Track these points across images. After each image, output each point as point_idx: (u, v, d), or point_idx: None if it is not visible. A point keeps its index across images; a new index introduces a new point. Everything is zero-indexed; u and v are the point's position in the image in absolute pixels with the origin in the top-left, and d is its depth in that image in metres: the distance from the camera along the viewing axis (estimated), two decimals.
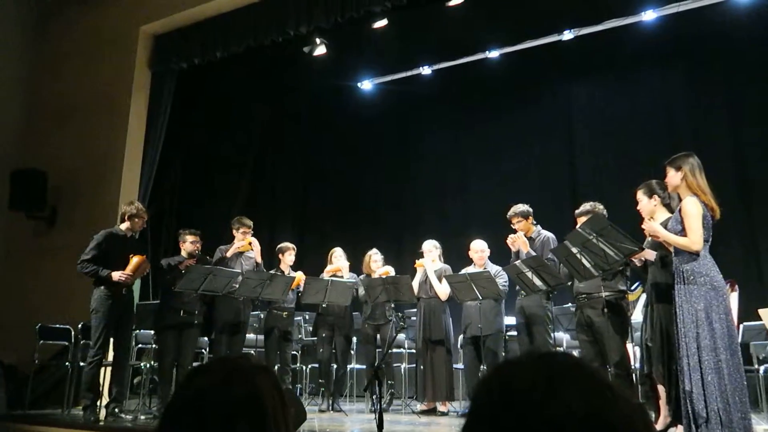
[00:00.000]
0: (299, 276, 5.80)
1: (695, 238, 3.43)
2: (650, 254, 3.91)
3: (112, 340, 4.99)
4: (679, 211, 3.56)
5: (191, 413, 0.82)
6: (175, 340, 5.18)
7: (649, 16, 6.89)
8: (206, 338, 6.37)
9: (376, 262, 5.97)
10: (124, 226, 5.15)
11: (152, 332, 5.68)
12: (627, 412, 0.59)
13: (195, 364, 5.90)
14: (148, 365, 5.94)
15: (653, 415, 3.91)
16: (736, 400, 3.20)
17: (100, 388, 5.05)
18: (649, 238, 4.01)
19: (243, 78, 8.25)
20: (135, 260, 4.93)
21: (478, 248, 5.55)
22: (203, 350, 6.39)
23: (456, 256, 5.98)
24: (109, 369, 5.06)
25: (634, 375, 4.42)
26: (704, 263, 3.43)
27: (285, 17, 6.50)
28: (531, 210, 5.21)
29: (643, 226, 3.76)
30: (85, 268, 4.88)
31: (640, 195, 4.07)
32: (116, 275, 4.85)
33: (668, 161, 3.69)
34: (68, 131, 7.51)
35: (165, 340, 5.22)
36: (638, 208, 4.11)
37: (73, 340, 5.70)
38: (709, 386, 3.23)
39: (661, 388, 3.81)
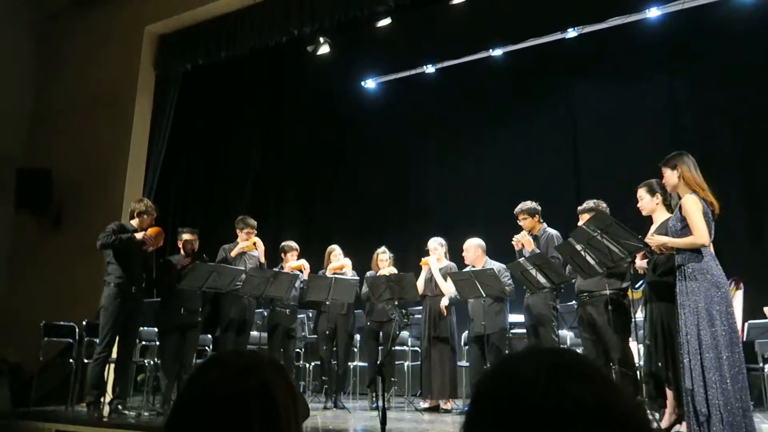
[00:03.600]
0: (302, 262, 5.81)
1: (701, 233, 3.40)
2: (643, 263, 3.95)
3: (117, 338, 4.98)
4: (679, 209, 3.53)
5: (204, 404, 0.81)
6: (178, 338, 5.18)
7: (653, 13, 6.85)
8: (209, 336, 6.36)
9: (383, 261, 5.93)
10: (133, 223, 5.16)
11: (155, 330, 5.67)
12: (630, 408, 0.59)
13: (198, 361, 5.90)
14: (151, 363, 5.93)
15: (658, 414, 3.87)
16: (738, 398, 3.17)
17: (105, 385, 5.04)
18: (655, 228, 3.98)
19: (247, 78, 8.24)
20: (152, 229, 5.02)
21: (466, 246, 5.48)
22: (207, 348, 6.38)
23: (461, 254, 5.92)
24: (112, 366, 5.05)
25: (638, 373, 4.37)
26: (706, 260, 3.41)
27: (289, 17, 6.48)
28: (539, 208, 5.15)
29: (647, 241, 3.71)
30: (108, 238, 4.90)
31: (642, 193, 4.05)
32: (139, 235, 4.92)
33: (662, 162, 3.69)
34: (73, 131, 7.52)
35: (167, 339, 5.23)
36: (639, 206, 4.08)
37: (77, 338, 5.69)
38: (710, 384, 3.21)
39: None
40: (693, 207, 3.43)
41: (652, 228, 3.99)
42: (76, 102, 7.61)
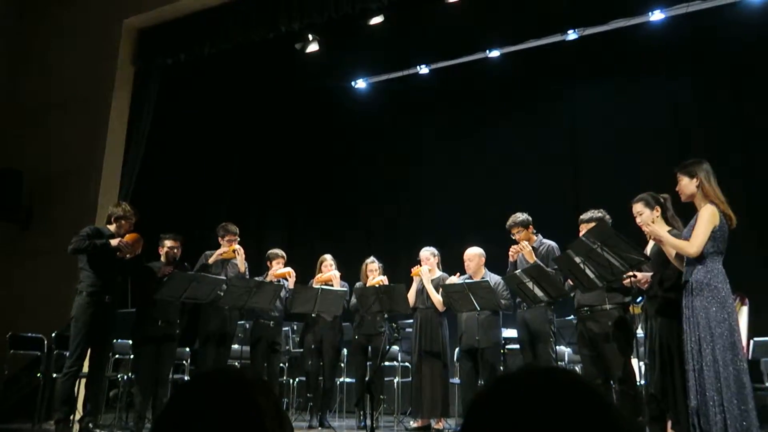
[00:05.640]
0: (289, 269, 5.81)
1: (696, 242, 3.47)
2: (644, 277, 3.96)
3: (89, 350, 4.93)
4: (695, 220, 3.57)
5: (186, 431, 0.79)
6: (154, 351, 5.13)
7: (656, 16, 6.93)
8: (187, 349, 6.32)
9: (372, 272, 5.93)
10: (110, 228, 5.11)
11: (130, 342, 5.63)
12: (629, 430, 0.58)
13: (175, 376, 5.87)
14: (125, 377, 5.89)
15: None
16: (742, 418, 3.20)
17: (75, 402, 4.99)
18: (650, 250, 4.02)
19: (231, 76, 8.24)
20: (129, 236, 4.95)
21: (470, 255, 5.51)
22: (184, 362, 6.34)
23: (455, 264, 5.94)
24: (83, 381, 5.00)
25: (642, 392, 4.40)
26: (714, 275, 3.45)
27: (276, 12, 6.49)
28: (530, 218, 5.19)
29: (644, 229, 3.76)
30: (81, 243, 4.81)
31: (641, 207, 4.07)
32: (115, 241, 4.83)
33: (680, 168, 3.69)
34: (46, 130, 7.46)
35: (142, 352, 5.17)
36: (638, 221, 4.11)
37: (46, 350, 5.63)
38: (710, 403, 3.25)
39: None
40: (707, 218, 3.47)
41: (651, 242, 4.03)
42: (49, 100, 7.55)
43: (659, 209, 4.01)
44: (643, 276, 3.98)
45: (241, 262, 5.70)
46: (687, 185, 3.64)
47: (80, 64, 7.46)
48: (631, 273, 3.93)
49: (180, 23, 7.21)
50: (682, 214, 3.99)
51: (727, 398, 3.23)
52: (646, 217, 4.03)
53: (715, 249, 3.48)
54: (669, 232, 3.83)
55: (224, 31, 6.86)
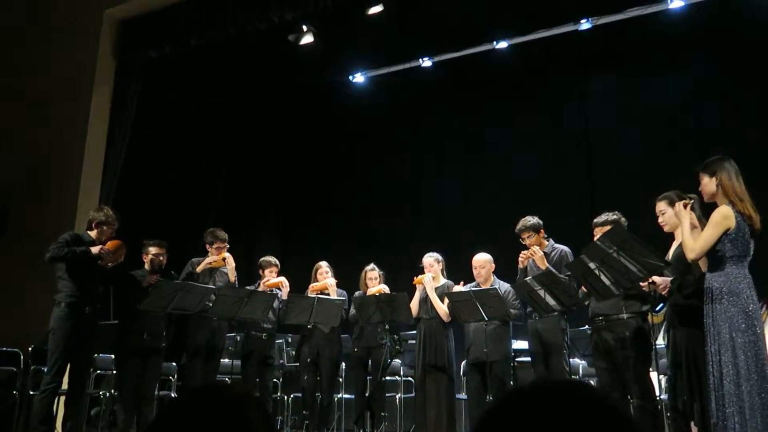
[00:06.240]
0: (282, 279, 5.82)
1: (698, 246, 3.52)
2: (664, 282, 3.95)
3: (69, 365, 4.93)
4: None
5: None
6: (138, 366, 5.14)
7: (676, 3, 6.93)
8: (174, 364, 6.33)
9: (372, 280, 5.93)
10: (91, 234, 5.12)
11: (112, 356, 5.63)
12: None
13: (161, 393, 5.87)
14: (107, 394, 5.88)
15: None
16: None
17: (54, 421, 4.99)
18: (672, 254, 4.02)
19: (220, 71, 8.25)
20: (111, 243, 4.95)
21: (481, 262, 5.53)
22: (171, 377, 6.34)
23: (460, 271, 5.95)
24: (63, 398, 5.00)
25: (660, 407, 4.40)
26: (737, 281, 3.45)
27: (267, 1, 6.51)
28: (541, 222, 5.20)
29: (675, 210, 3.79)
30: (60, 250, 4.81)
31: (663, 206, 4.10)
32: (95, 249, 4.84)
33: (701, 167, 3.71)
34: (20, 130, 7.47)
35: (126, 366, 5.19)
36: (660, 221, 4.13)
37: (22, 366, 5.63)
38: (729, 418, 3.26)
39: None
40: (715, 220, 3.49)
41: (674, 244, 4.03)
42: (25, 95, 7.57)
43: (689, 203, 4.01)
44: (663, 281, 3.97)
45: (231, 271, 5.70)
46: (707, 184, 3.67)
47: (59, 58, 7.48)
48: (650, 279, 3.94)
49: (165, 13, 7.23)
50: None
51: (750, 414, 3.23)
52: (669, 217, 4.05)
53: (735, 252, 3.48)
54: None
55: (212, 22, 6.89)
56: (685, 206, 3.71)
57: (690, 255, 3.59)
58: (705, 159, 3.77)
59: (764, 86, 6.68)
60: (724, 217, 3.48)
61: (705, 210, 3.99)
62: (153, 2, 7.26)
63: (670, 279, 3.98)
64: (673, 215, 4.03)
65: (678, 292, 3.94)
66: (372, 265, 6.04)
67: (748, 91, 6.80)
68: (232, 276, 5.72)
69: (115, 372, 5.58)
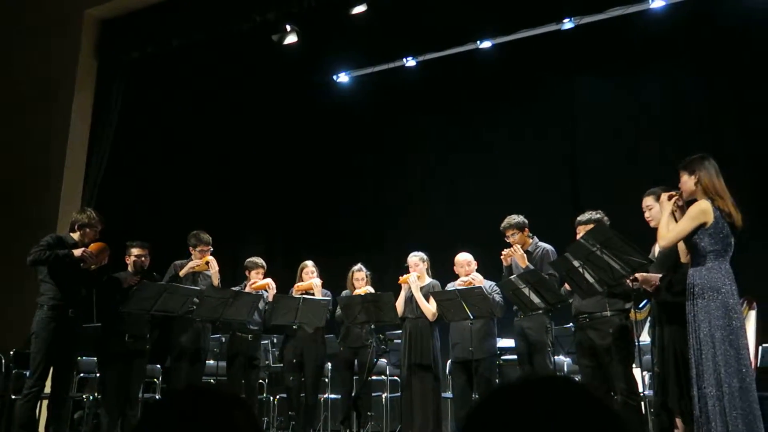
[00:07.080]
0: (268, 281, 5.79)
1: (670, 235, 3.61)
2: (653, 278, 3.97)
3: (52, 369, 4.88)
4: None
5: None
6: (122, 369, 5.10)
7: (657, 3, 7.00)
8: (158, 366, 6.28)
9: (359, 280, 5.92)
10: (74, 236, 5.07)
11: (95, 359, 5.58)
12: None
13: (145, 396, 5.83)
14: (90, 397, 5.83)
15: None
16: (745, 430, 3.23)
17: (37, 425, 4.93)
18: (656, 252, 4.06)
19: (203, 72, 8.20)
20: (94, 245, 4.91)
21: (463, 261, 5.54)
22: (155, 380, 6.30)
23: (446, 270, 5.96)
24: (45, 402, 4.95)
25: (643, 403, 4.44)
26: (716, 277, 3.48)
27: (251, 1, 6.49)
28: (526, 221, 5.23)
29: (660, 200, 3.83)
30: (42, 253, 4.75)
31: (650, 201, 4.14)
32: (78, 251, 4.79)
33: (681, 165, 3.75)
34: (1, 129, 7.38)
35: (109, 370, 5.15)
36: (647, 216, 4.17)
37: (3, 369, 5.57)
38: (712, 415, 3.30)
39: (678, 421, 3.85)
40: (692, 213, 3.54)
41: (657, 244, 4.06)
42: (4, 97, 7.48)
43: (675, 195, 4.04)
44: (653, 277, 3.99)
45: (214, 276, 5.65)
46: (686, 182, 3.70)
47: (39, 58, 7.41)
48: (633, 276, 3.97)
49: (147, 13, 7.19)
50: None
51: (729, 409, 3.26)
52: (656, 212, 4.08)
53: (715, 247, 3.51)
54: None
55: (194, 22, 6.86)
56: (670, 198, 3.74)
57: (661, 242, 3.68)
58: (686, 158, 3.81)
59: (743, 83, 6.77)
60: (701, 211, 3.52)
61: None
62: (135, 2, 7.21)
63: (659, 276, 4.01)
64: (659, 211, 4.07)
65: (667, 290, 3.96)
66: (359, 266, 6.03)
67: (727, 88, 6.88)
68: (216, 280, 5.67)
69: (98, 375, 5.53)
